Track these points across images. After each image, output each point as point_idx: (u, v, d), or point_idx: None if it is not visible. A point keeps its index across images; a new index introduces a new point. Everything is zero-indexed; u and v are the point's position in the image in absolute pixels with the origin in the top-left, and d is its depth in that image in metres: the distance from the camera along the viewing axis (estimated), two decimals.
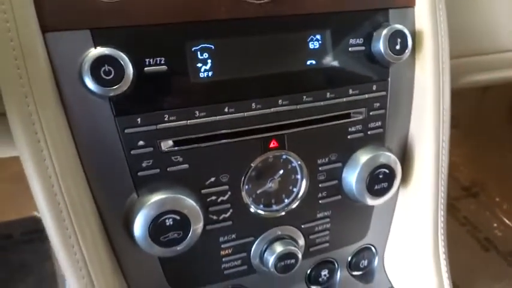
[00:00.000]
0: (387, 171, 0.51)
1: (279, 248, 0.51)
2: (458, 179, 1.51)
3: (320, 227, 0.54)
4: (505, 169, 1.44)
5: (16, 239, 1.24)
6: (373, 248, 0.61)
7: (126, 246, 0.46)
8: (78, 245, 0.41)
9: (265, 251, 0.51)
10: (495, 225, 1.43)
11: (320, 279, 0.59)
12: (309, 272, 0.58)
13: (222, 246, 0.50)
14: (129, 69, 0.39)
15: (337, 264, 0.60)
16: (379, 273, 0.62)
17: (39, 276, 1.14)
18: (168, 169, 0.44)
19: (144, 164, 0.43)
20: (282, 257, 0.50)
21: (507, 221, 1.43)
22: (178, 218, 0.43)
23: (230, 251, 0.51)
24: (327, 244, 0.56)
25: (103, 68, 0.38)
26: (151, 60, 0.41)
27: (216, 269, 0.51)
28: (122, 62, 0.39)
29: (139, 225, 0.42)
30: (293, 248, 0.51)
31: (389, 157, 0.51)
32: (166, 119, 0.42)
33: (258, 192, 0.49)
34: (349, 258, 0.60)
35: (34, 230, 1.23)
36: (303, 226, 0.53)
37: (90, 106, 0.40)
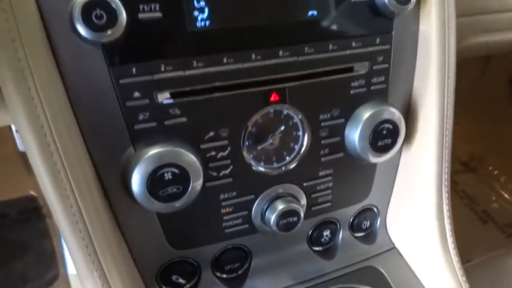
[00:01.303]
0: (391, 126, 0.50)
1: (280, 205, 0.50)
2: (457, 154, 1.51)
3: (322, 186, 0.53)
4: (503, 143, 1.44)
5: (13, 218, 1.23)
6: (375, 209, 0.61)
7: (125, 204, 0.45)
8: (75, 198, 0.40)
9: (266, 209, 0.51)
10: (493, 198, 1.44)
11: (322, 239, 0.58)
12: (310, 232, 0.58)
13: (223, 204, 0.49)
14: (122, 14, 0.37)
15: (339, 225, 0.59)
16: (381, 235, 0.62)
17: (38, 254, 1.13)
18: (165, 122, 0.42)
19: (140, 117, 0.42)
20: (284, 215, 0.49)
21: (505, 194, 1.44)
22: (177, 171, 0.42)
23: (231, 210, 0.50)
24: (329, 204, 0.55)
25: (94, 13, 0.36)
26: (145, 6, 0.39)
27: (216, 227, 0.50)
28: (114, 6, 0.37)
29: (137, 180, 0.41)
30: (295, 205, 0.50)
31: (393, 113, 0.50)
32: (162, 69, 0.41)
33: (259, 148, 0.48)
34: (351, 219, 0.60)
35: (31, 208, 1.23)
36: (304, 184, 0.52)
37: (83, 55, 0.38)
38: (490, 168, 1.50)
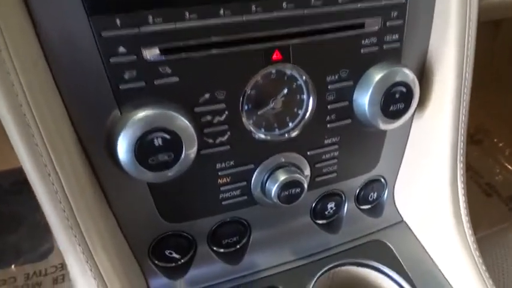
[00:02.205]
0: (404, 90, 0.46)
1: (282, 176, 0.46)
2: None
3: (327, 155, 0.49)
4: (510, 115, 1.41)
5: (6, 190, 1.20)
6: (383, 180, 0.57)
7: (111, 174, 0.41)
8: (53, 166, 0.36)
9: (267, 180, 0.47)
10: (497, 170, 1.42)
11: (326, 212, 0.55)
12: (314, 205, 0.54)
13: (219, 173, 0.45)
14: None
15: (344, 197, 0.56)
16: (388, 207, 0.59)
17: (32, 227, 1.11)
18: (155, 82, 0.38)
19: (126, 76, 0.37)
20: (285, 186, 0.46)
21: (509, 167, 1.41)
22: (168, 137, 0.38)
23: (228, 180, 0.46)
24: (335, 174, 0.51)
25: None
26: None
27: (213, 199, 0.47)
28: None
29: (123, 146, 0.37)
30: (298, 176, 0.46)
31: (407, 74, 0.45)
32: (150, 21, 0.36)
33: (259, 113, 0.44)
34: (357, 191, 0.56)
35: (23, 180, 1.19)
36: (308, 153, 0.48)
37: (59, 3, 0.34)
38: (495, 140, 1.48)
